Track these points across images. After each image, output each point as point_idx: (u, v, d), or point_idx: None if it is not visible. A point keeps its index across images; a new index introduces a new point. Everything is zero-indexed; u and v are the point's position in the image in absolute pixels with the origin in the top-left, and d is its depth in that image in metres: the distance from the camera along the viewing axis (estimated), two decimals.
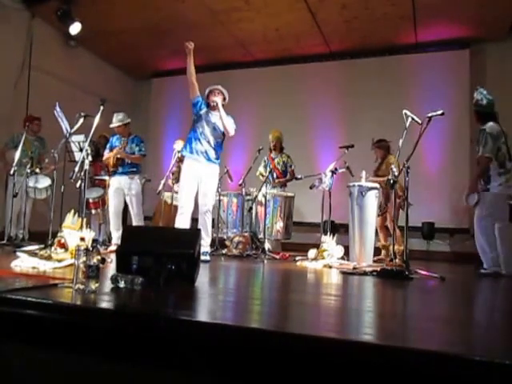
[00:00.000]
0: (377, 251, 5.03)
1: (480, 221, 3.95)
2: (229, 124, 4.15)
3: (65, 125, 4.18)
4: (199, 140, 4.14)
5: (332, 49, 7.02)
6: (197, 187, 4.13)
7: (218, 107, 4.11)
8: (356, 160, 5.33)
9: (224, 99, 4.24)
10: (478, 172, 4.01)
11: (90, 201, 5.66)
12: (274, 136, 5.92)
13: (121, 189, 4.90)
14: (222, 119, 4.12)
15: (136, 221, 4.94)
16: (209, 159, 4.14)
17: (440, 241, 6.30)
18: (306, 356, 1.26)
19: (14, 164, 4.81)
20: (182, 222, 4.03)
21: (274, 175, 5.85)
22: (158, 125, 7.96)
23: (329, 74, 7.14)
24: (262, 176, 5.68)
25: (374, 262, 4.70)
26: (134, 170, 4.97)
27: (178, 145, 5.69)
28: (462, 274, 4.33)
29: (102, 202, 5.63)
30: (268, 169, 5.80)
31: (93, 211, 5.72)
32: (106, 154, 5.00)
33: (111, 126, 4.97)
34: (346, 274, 3.60)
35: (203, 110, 4.21)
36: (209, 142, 4.14)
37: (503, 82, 5.89)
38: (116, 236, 4.80)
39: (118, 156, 4.87)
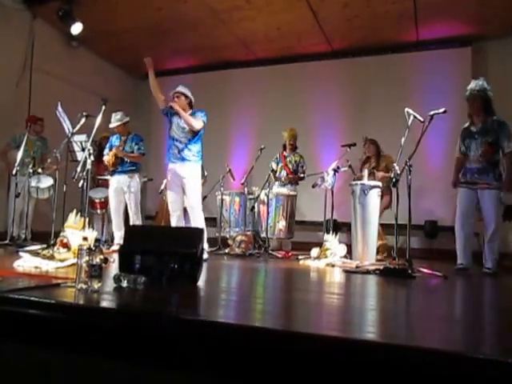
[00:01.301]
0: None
1: (499, 221, 3.88)
2: (191, 122, 4.19)
3: (67, 125, 4.19)
4: (173, 145, 4.30)
5: (333, 47, 7.01)
6: (180, 186, 4.25)
7: (176, 110, 4.20)
8: (358, 158, 5.32)
9: (186, 97, 4.31)
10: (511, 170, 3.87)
11: (97, 201, 5.69)
12: (291, 134, 5.90)
13: (120, 188, 4.91)
14: (184, 119, 4.20)
15: (133, 220, 4.94)
16: (182, 159, 4.23)
17: (443, 239, 6.28)
18: (309, 355, 1.26)
19: (17, 164, 4.82)
20: (175, 221, 4.29)
21: (284, 173, 5.84)
22: (160, 124, 7.90)
23: (330, 72, 7.12)
24: (273, 171, 5.65)
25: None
26: (134, 168, 4.97)
27: None
28: (465, 273, 4.31)
29: (107, 202, 5.65)
30: (279, 166, 5.81)
31: (98, 211, 5.74)
32: (106, 153, 5.02)
33: (110, 126, 4.98)
34: (348, 272, 3.59)
35: (171, 115, 4.33)
36: (181, 143, 4.26)
37: (505, 79, 5.86)
38: (118, 235, 4.80)
39: (118, 155, 4.88)
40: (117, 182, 4.93)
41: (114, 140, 5.05)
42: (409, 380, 1.16)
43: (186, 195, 4.24)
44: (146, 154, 5.32)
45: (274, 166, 5.79)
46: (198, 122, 4.22)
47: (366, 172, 4.87)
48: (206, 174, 5.78)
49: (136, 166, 5.01)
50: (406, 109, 3.76)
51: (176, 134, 4.30)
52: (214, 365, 1.35)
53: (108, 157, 4.94)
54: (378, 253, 4.83)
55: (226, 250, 5.08)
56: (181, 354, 1.39)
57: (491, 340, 1.50)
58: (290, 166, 5.86)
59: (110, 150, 4.98)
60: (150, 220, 7.07)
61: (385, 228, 5.08)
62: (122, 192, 4.92)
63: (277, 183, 5.78)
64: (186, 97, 4.31)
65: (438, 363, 1.15)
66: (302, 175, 5.73)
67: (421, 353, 1.19)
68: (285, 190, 5.67)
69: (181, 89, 4.32)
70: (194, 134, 4.26)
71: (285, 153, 5.96)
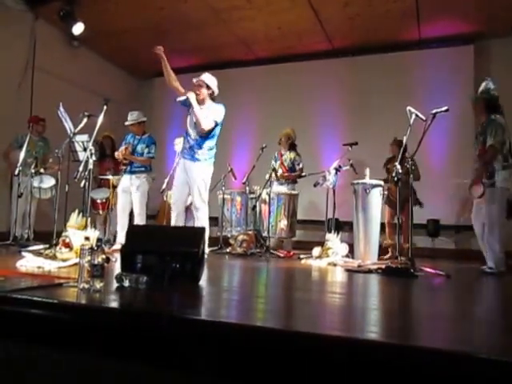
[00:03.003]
0: (381, 251, 5.02)
1: (493, 218, 3.83)
2: (200, 120, 3.95)
3: (68, 125, 4.19)
4: (186, 138, 4.20)
5: (335, 46, 6.99)
6: (187, 184, 4.15)
7: (191, 103, 3.98)
8: (360, 157, 5.31)
9: (208, 88, 4.09)
10: (485, 162, 3.86)
11: (98, 201, 5.69)
12: (282, 133, 5.97)
13: (128, 187, 4.93)
14: (195, 115, 3.98)
15: (137, 220, 4.94)
16: (193, 157, 4.11)
17: (445, 238, 6.27)
18: (311, 354, 1.26)
19: (19, 164, 4.82)
20: (174, 219, 4.18)
21: (281, 171, 5.85)
22: (161, 124, 7.96)
23: (332, 71, 7.11)
24: (274, 170, 5.65)
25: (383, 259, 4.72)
26: (143, 169, 5.00)
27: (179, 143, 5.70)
28: (468, 272, 4.31)
29: (108, 203, 5.65)
30: (277, 164, 5.83)
31: (100, 211, 5.75)
32: (120, 150, 5.04)
33: (126, 123, 5.05)
34: (350, 271, 3.58)
35: (189, 105, 4.09)
36: (192, 139, 4.13)
37: (508, 78, 5.83)
38: (121, 235, 4.79)
39: (126, 158, 4.92)
40: (125, 181, 4.95)
41: (129, 139, 5.10)
42: (411, 380, 1.16)
43: (192, 195, 4.14)
44: None
45: (274, 164, 5.81)
46: (207, 123, 3.97)
47: (367, 171, 4.86)
48: None
49: (145, 167, 5.02)
50: (408, 107, 3.75)
51: (189, 129, 4.13)
52: (215, 365, 1.35)
53: (118, 155, 4.98)
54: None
55: (228, 250, 5.07)
56: (181, 353, 1.40)
57: (492, 340, 1.50)
58: (286, 164, 5.88)
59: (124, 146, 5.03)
60: (152, 219, 7.08)
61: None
62: (129, 192, 4.93)
63: (275, 182, 5.77)
64: (208, 87, 4.08)
65: (441, 363, 1.15)
66: (303, 174, 5.72)
67: (423, 352, 1.19)
68: (285, 189, 5.68)
69: (204, 78, 4.08)
70: (208, 132, 4.06)
71: (282, 151, 5.99)
